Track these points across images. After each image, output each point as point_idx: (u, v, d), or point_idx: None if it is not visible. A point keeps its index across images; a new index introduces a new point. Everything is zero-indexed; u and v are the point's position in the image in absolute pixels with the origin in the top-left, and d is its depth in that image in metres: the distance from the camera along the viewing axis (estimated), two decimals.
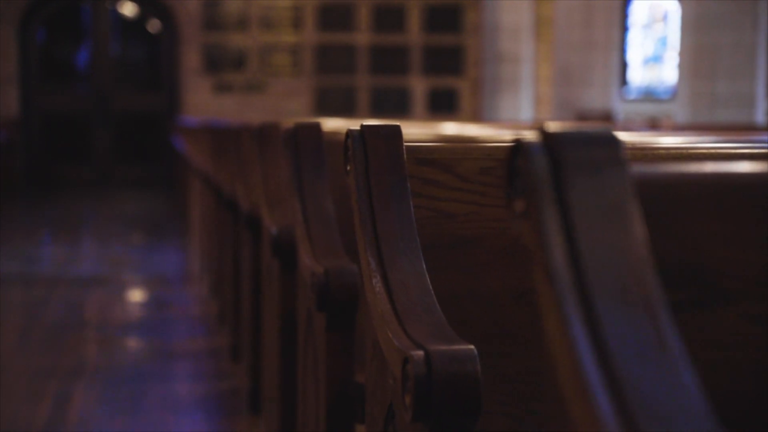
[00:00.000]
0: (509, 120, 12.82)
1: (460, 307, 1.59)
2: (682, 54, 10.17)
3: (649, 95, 15.49)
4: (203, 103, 14.36)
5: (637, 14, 15.57)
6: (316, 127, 2.39)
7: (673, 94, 15.31)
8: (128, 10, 14.98)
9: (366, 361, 1.68)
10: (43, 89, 14.50)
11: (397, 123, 1.71)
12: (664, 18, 15.46)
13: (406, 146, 1.62)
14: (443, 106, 14.98)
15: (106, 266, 7.20)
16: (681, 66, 10.19)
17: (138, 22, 15.04)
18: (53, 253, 7.99)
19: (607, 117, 11.69)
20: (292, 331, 2.79)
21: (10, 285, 6.27)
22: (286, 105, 14.65)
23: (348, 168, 1.65)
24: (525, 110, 14.44)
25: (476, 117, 14.65)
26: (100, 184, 14.37)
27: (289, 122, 2.82)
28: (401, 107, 14.91)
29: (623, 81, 14.90)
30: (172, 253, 7.83)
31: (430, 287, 1.46)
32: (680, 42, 10.27)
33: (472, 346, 1.27)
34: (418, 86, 15.00)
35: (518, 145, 0.87)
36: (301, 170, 2.35)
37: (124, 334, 4.93)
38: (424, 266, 1.49)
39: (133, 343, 4.77)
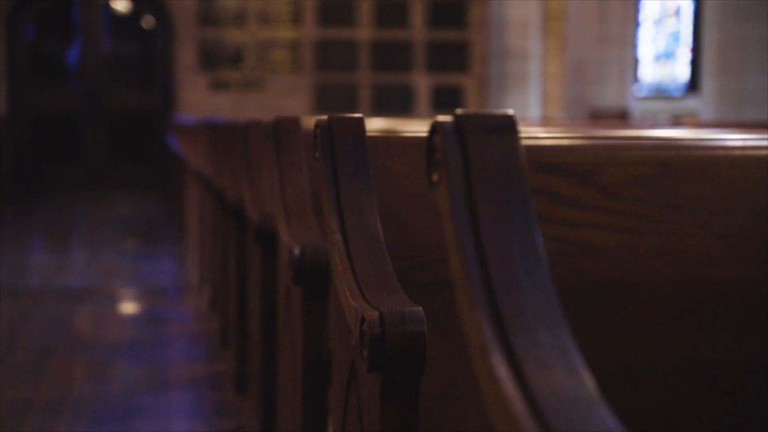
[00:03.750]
0: (521, 118, 12.28)
1: (610, 392, 1.05)
2: (705, 48, 9.64)
3: (661, 92, 14.99)
4: (199, 101, 13.82)
5: (648, 9, 15.06)
6: (358, 123, 1.84)
7: (686, 91, 14.80)
8: (121, 5, 14.44)
9: None
10: (33, 87, 13.98)
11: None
12: (677, 13, 14.95)
13: (524, 146, 1.08)
14: (448, 103, 14.44)
15: (96, 276, 6.65)
16: (704, 61, 9.66)
17: (131, 18, 14.51)
18: (40, 262, 7.44)
19: (623, 115, 11.17)
20: (322, 376, 2.25)
21: None
22: (284, 103, 14.11)
23: (434, 178, 1.11)
24: (533, 108, 13.91)
25: None
26: (91, 185, 13.82)
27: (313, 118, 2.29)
28: (404, 105, 14.38)
29: (634, 78, 14.38)
30: (167, 261, 7.27)
31: (586, 372, 0.92)
32: (703, 36, 9.74)
33: None
34: (422, 83, 14.47)
35: None
36: (338, 177, 1.80)
37: (113, 358, 4.37)
38: (569, 333, 0.95)
39: (123, 368, 4.22)
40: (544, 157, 1.10)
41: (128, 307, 5.81)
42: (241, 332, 3.90)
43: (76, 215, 10.93)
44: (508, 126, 1.08)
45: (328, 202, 1.80)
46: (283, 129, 2.58)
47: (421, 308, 1.50)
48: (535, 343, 0.94)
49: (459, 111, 1.10)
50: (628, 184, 1.08)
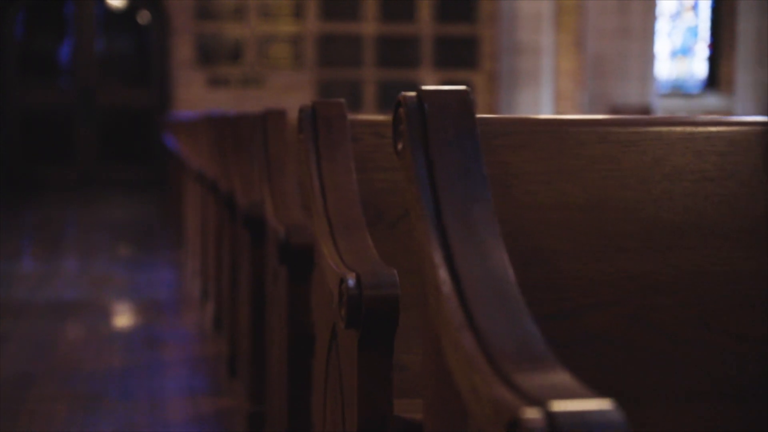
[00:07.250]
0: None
1: None
2: (738, 40, 9.05)
3: (678, 89, 14.40)
4: (196, 98, 13.22)
5: (664, 4, 14.46)
6: (463, 98, 1.23)
7: (704, 87, 14.22)
8: None
9: None
10: (22, 84, 13.45)
11: None
12: (695, 7, 14.35)
13: None
14: None
15: (86, 288, 6.02)
16: (738, 53, 9.07)
17: (125, 12, 13.92)
18: (26, 271, 6.81)
19: (646, 113, 10.56)
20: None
21: None
22: (285, 100, 13.46)
23: None
24: (546, 106, 13.30)
25: (492, 113, 13.51)
26: (83, 187, 13.23)
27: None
28: None
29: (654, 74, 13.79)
30: (164, 271, 6.64)
31: None
32: (736, 28, 9.16)
33: None
34: (430, 80, 13.86)
35: None
36: (436, 181, 1.18)
37: (102, 391, 3.74)
38: None
39: (113, 404, 3.58)
40: None
41: (121, 326, 5.18)
42: (256, 363, 3.29)
43: (66, 219, 10.32)
44: None
45: (421, 218, 1.18)
46: (324, 118, 1.96)
47: (617, 408, 0.88)
48: None
49: None
50: None
